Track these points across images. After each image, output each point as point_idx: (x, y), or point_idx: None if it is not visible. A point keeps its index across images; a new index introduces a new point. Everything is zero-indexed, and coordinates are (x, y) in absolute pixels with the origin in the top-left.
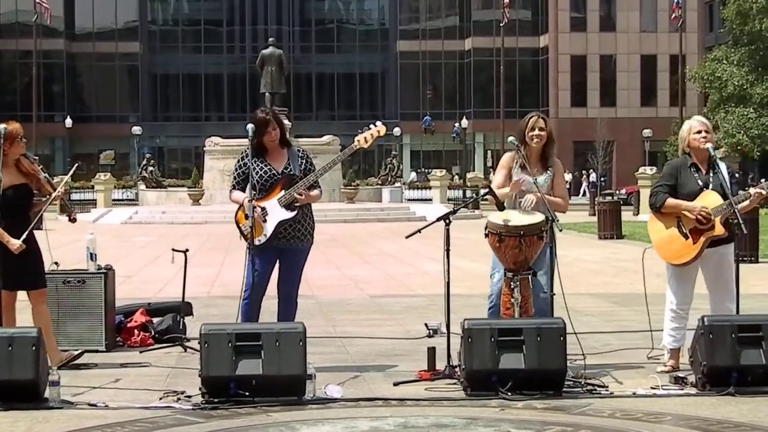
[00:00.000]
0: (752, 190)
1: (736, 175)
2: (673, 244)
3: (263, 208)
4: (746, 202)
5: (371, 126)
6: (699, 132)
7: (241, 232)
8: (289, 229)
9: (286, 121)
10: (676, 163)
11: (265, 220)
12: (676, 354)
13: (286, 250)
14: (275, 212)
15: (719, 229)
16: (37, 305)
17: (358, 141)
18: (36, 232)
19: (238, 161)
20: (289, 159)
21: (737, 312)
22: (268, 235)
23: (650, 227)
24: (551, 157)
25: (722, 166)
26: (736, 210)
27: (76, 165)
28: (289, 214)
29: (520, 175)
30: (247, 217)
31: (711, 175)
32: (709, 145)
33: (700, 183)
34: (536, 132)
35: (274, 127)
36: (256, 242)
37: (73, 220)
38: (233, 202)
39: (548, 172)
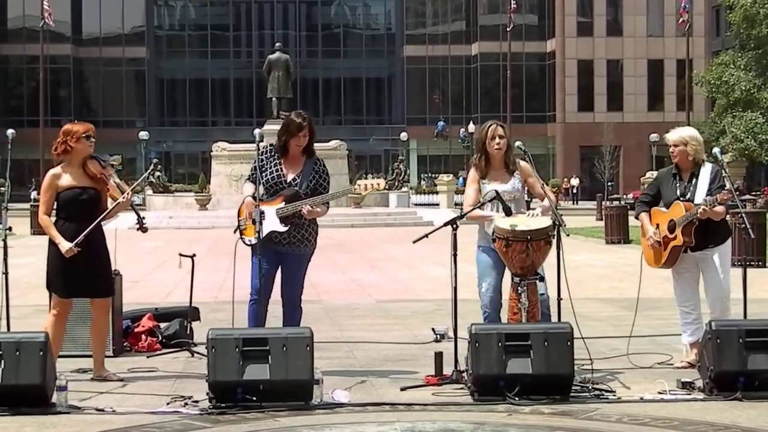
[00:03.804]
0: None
1: (737, 181)
2: (650, 249)
3: (262, 212)
4: (699, 211)
5: (374, 179)
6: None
7: (238, 226)
8: (290, 235)
9: None
10: (662, 172)
11: (261, 224)
12: (694, 348)
13: (286, 254)
14: (270, 221)
15: (679, 240)
16: (101, 315)
17: (358, 186)
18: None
19: (259, 154)
20: (302, 170)
21: (745, 316)
22: (260, 239)
23: (640, 232)
24: (512, 162)
25: (705, 170)
26: (703, 209)
27: (149, 171)
28: (282, 228)
29: (488, 191)
30: (254, 222)
31: (693, 183)
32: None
33: (678, 193)
34: (497, 140)
35: (305, 134)
36: (247, 241)
37: (143, 230)
38: (242, 193)
39: (515, 176)
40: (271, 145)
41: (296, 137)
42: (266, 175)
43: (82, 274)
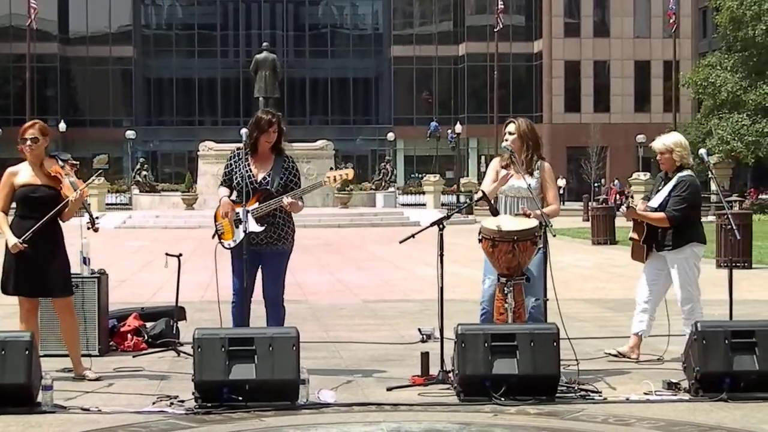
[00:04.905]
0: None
1: (721, 186)
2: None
3: (246, 211)
4: (622, 209)
5: (343, 167)
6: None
7: (216, 231)
8: (267, 235)
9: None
10: (660, 175)
11: (237, 226)
12: (634, 340)
13: (265, 254)
14: (247, 222)
15: (631, 235)
16: (63, 315)
17: (328, 178)
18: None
19: (228, 159)
20: (272, 168)
21: (731, 317)
22: (238, 241)
23: None
24: (533, 160)
25: (675, 178)
26: (623, 208)
27: (99, 172)
28: (259, 228)
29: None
30: (232, 222)
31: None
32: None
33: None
34: (505, 136)
35: (275, 130)
36: (226, 245)
37: (95, 230)
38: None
39: (534, 176)
40: (238, 149)
41: (267, 133)
42: (237, 177)
43: (32, 272)
